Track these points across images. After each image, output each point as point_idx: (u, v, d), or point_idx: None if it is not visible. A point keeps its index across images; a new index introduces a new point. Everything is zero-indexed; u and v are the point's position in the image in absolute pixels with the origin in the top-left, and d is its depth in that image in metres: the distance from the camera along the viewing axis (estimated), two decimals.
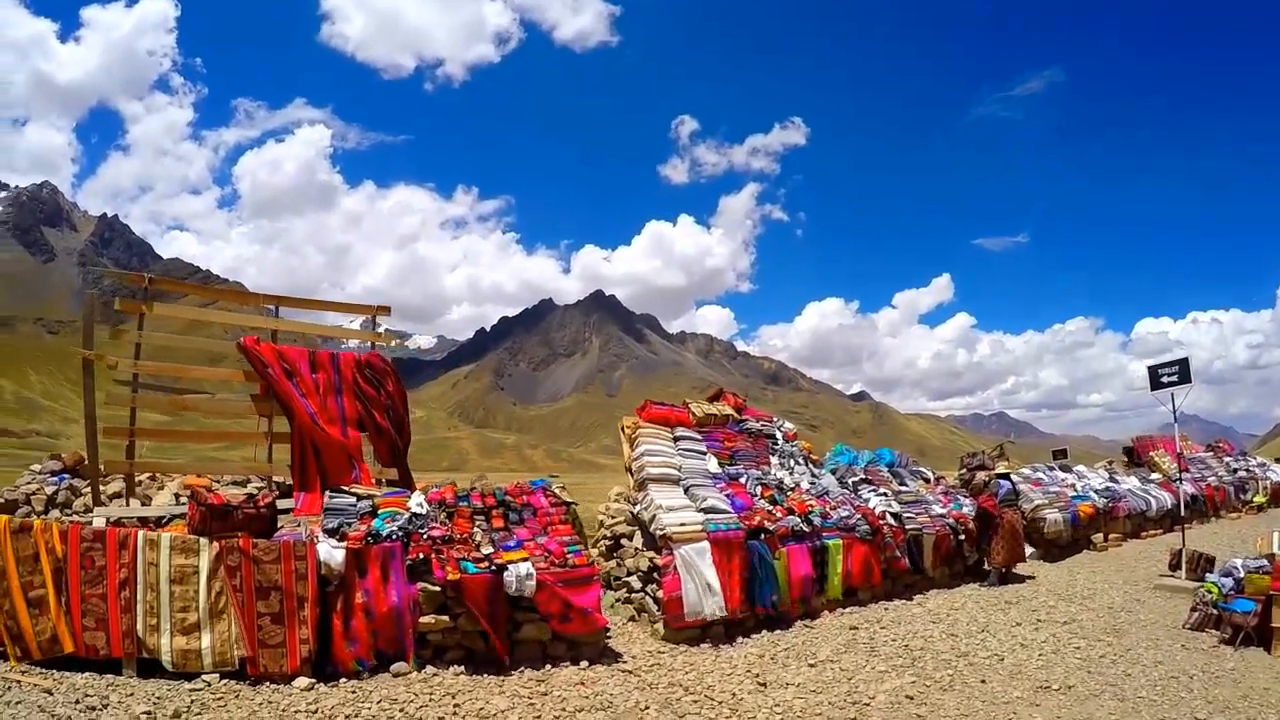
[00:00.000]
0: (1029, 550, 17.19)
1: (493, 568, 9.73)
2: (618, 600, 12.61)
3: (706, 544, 11.72)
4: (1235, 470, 28.41)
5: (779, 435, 16.31)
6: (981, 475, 17.14)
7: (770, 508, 13.26)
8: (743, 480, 14.02)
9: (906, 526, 14.61)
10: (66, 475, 12.91)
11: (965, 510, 16.11)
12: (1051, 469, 22.48)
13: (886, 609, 13.37)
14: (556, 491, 12.17)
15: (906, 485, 16.66)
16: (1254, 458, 31.45)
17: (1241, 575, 11.27)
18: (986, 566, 15.50)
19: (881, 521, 14.21)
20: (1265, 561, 11.36)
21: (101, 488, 12.51)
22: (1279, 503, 27.97)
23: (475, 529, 10.61)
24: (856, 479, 16.08)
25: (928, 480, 17.74)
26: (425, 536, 9.98)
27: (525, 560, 9.96)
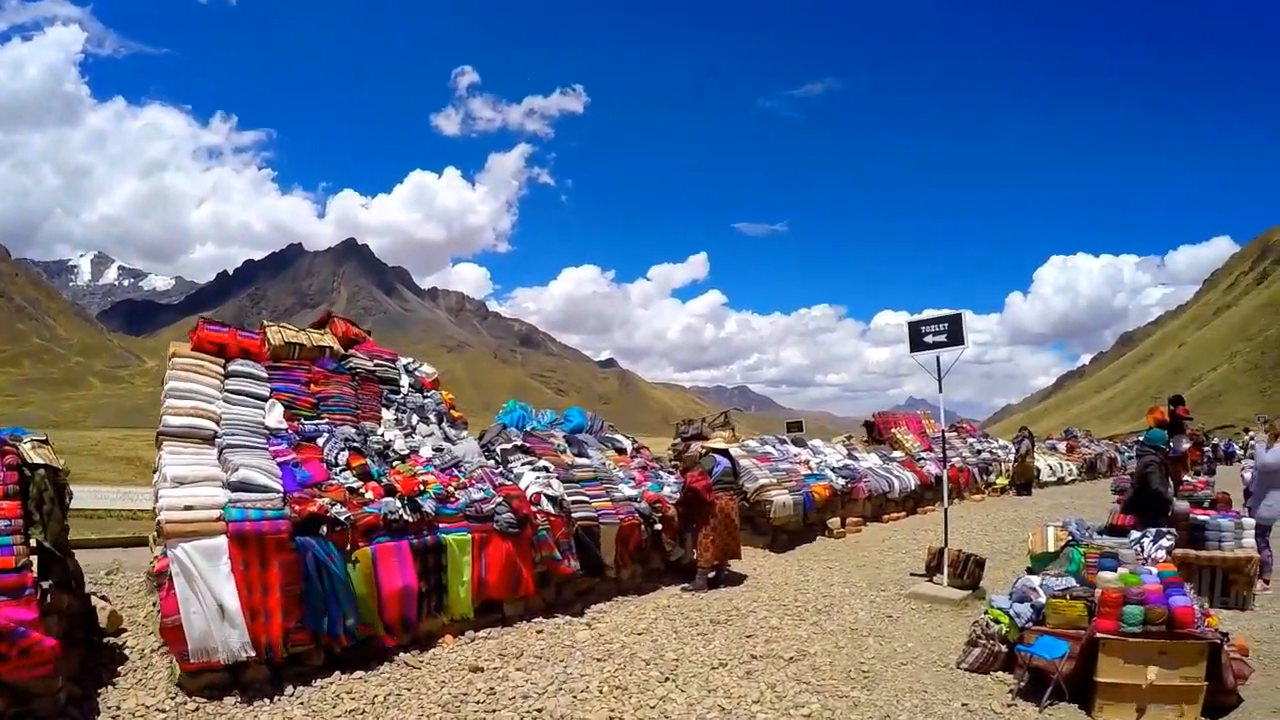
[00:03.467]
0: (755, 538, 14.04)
1: None
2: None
3: (223, 540, 7.18)
4: (979, 451, 27.44)
5: (405, 381, 11.80)
6: (697, 447, 13.40)
7: (357, 484, 8.73)
8: (321, 441, 9.45)
9: (574, 514, 10.40)
10: None
11: (666, 492, 12.18)
12: (784, 442, 19.06)
13: (541, 632, 9.18)
14: (24, 450, 7.29)
15: (588, 457, 12.42)
16: (996, 439, 30.58)
17: (1043, 601, 7.72)
18: (699, 564, 11.57)
19: (534, 507, 9.91)
20: (1073, 582, 7.94)
21: None
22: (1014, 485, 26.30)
23: None
24: (508, 446, 11.55)
25: (622, 451, 13.62)
26: None
27: None
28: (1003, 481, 25.72)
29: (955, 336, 11.36)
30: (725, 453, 12.38)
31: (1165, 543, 9.26)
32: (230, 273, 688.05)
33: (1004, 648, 7.74)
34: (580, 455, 12.30)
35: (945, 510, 12.50)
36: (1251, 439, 47.12)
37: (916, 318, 11.80)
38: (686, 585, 11.42)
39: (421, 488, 9.08)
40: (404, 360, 12.36)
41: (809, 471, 17.09)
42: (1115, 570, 7.73)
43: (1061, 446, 34.87)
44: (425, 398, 11.75)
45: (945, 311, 11.68)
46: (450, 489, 9.46)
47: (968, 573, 10.87)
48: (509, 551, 9.34)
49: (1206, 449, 35.27)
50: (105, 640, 7.86)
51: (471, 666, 7.88)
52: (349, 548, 8.01)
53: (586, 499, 10.75)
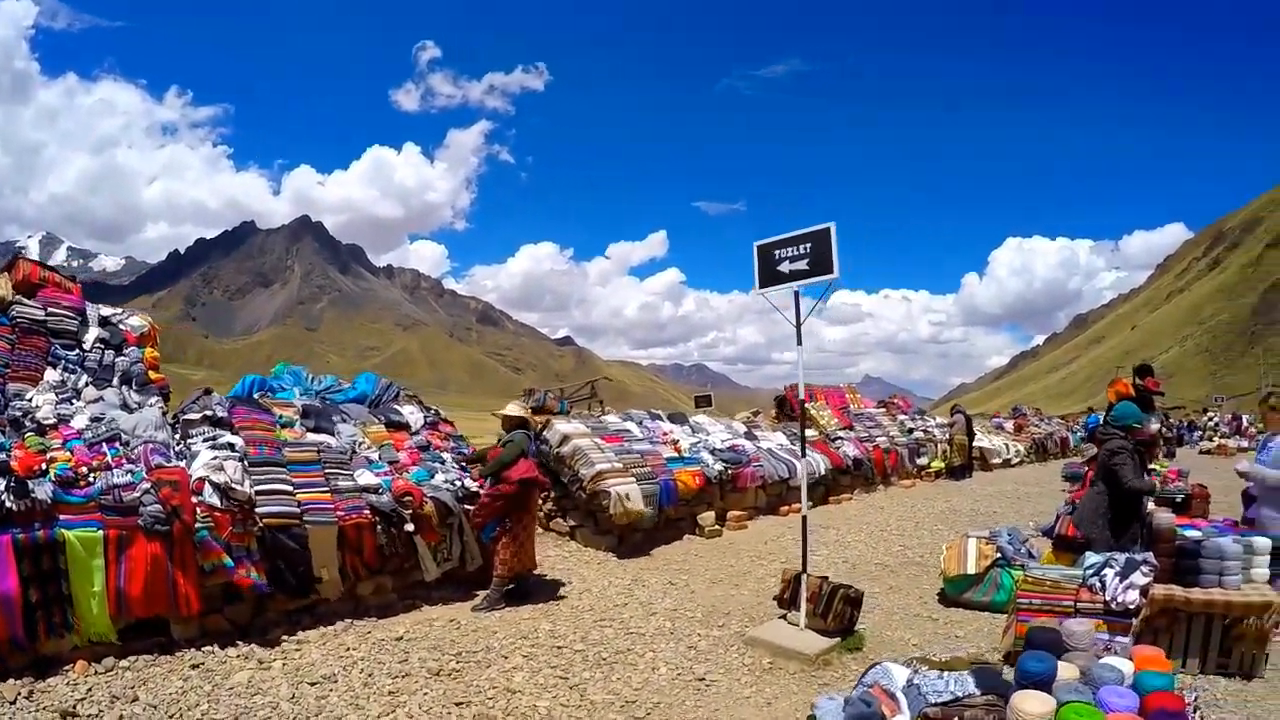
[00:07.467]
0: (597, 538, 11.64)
1: None
2: None
3: None
4: (911, 431, 24.14)
5: (91, 334, 9.15)
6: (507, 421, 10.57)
7: None
8: None
9: (261, 508, 7.57)
10: None
11: (438, 480, 9.44)
12: (656, 418, 15.93)
13: (197, 667, 6.62)
14: None
15: (331, 432, 9.48)
16: (933, 417, 27.50)
17: None
18: (496, 574, 8.89)
19: (195, 499, 7.13)
20: (971, 687, 4.38)
21: None
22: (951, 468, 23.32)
23: None
24: (195, 417, 8.51)
25: (400, 426, 10.61)
26: None
27: None
28: (938, 465, 22.98)
29: (821, 263, 7.55)
30: (524, 424, 9.57)
31: (1139, 577, 6.36)
32: (182, 252, 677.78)
33: None
34: (319, 430, 9.37)
35: (804, 516, 8.30)
36: (1212, 420, 45.00)
37: (767, 240, 8.02)
38: (477, 604, 8.74)
39: (37, 467, 6.54)
40: (107, 310, 9.74)
41: (675, 455, 13.98)
42: (1050, 677, 4.34)
43: (1009, 425, 31.85)
44: (119, 356, 9.11)
45: (807, 229, 7.71)
46: (86, 469, 6.87)
47: (833, 613, 7.53)
48: (157, 555, 6.75)
49: (1167, 429, 32.37)
50: None
51: (64, 711, 5.71)
52: None
53: (289, 488, 7.93)
